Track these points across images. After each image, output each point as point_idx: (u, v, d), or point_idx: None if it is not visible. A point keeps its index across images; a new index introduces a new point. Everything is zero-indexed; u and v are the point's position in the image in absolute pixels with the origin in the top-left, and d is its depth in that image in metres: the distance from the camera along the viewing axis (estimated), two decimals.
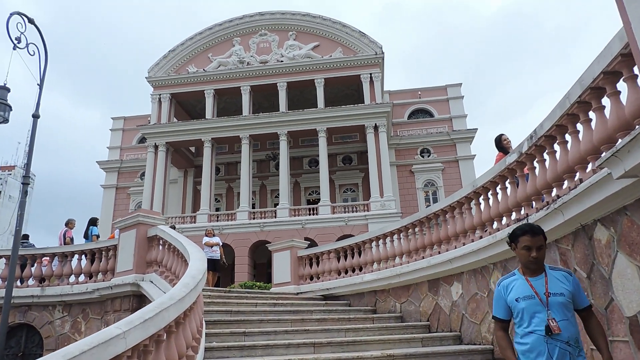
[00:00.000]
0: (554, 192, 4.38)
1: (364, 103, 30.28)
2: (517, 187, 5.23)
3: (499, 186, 5.61)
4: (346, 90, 33.81)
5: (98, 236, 10.77)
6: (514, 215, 5.32)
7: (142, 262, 7.70)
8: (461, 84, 35.92)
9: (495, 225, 5.70)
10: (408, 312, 7.45)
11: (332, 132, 30.80)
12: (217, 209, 33.42)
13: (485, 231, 5.86)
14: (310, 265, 10.36)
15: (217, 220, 28.90)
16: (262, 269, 29.62)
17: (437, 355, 5.32)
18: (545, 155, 4.56)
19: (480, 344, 5.72)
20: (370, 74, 30.88)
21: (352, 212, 28.21)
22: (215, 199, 34.36)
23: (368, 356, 5.11)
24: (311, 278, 10.30)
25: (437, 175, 33.42)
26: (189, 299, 4.11)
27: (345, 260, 9.48)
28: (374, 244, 8.78)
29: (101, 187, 36.38)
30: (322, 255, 10.00)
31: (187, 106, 34.61)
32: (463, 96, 35.52)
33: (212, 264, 11.43)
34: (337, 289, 9.17)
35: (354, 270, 9.24)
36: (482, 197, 6.04)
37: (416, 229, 7.70)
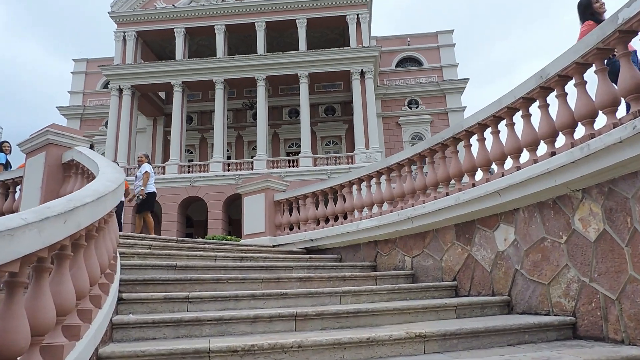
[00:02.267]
0: None
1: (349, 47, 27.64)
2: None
3: (594, 68, 3.51)
4: (330, 35, 31.01)
5: (5, 165, 8.38)
6: (622, 111, 3.25)
7: (53, 197, 5.49)
8: (453, 30, 33.43)
9: (581, 131, 3.62)
10: (423, 268, 5.47)
11: (314, 79, 28.24)
12: (191, 161, 30.94)
13: (558, 145, 3.78)
14: (290, 212, 8.29)
15: (189, 172, 26.54)
16: (238, 225, 27.61)
17: (490, 333, 3.34)
18: None
19: (548, 314, 3.77)
20: (357, 14, 28.10)
21: (335, 164, 26.14)
22: (189, 151, 31.86)
23: (385, 337, 3.09)
24: (291, 228, 8.25)
25: (425, 128, 31.41)
26: (35, 235, 1.95)
27: (335, 204, 7.40)
28: (373, 181, 6.70)
29: None
30: (306, 199, 7.91)
31: (155, 47, 31.37)
32: (454, 44, 33.11)
33: (146, 202, 9.11)
34: (325, 240, 7.14)
35: (346, 217, 7.20)
36: (555, 92, 3.94)
37: (436, 156, 5.62)
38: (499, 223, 4.47)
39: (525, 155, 4.34)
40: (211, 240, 6.82)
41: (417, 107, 31.77)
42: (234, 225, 27.10)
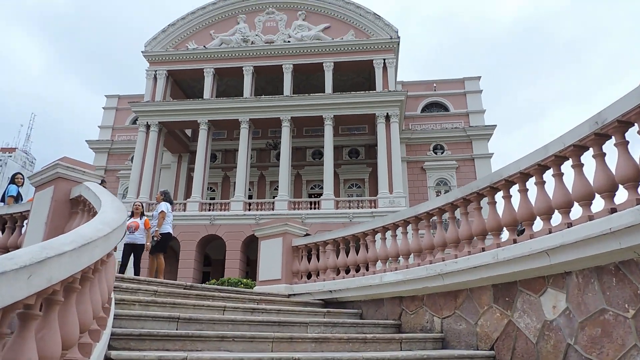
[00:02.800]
0: None
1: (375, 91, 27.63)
2: None
3: None
4: (356, 78, 31.24)
5: (16, 198, 8.14)
6: None
7: (57, 234, 5.15)
8: (480, 77, 33.31)
9: None
10: (455, 332, 4.86)
11: (339, 122, 28.21)
12: (212, 199, 30.89)
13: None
14: (309, 259, 7.79)
15: (210, 210, 26.36)
16: (255, 266, 27.03)
17: None
18: None
19: None
20: (384, 59, 28.28)
21: (358, 208, 25.61)
22: (211, 189, 31.86)
23: None
24: (309, 276, 7.73)
25: (451, 174, 30.76)
26: None
27: (357, 253, 6.89)
28: (400, 230, 6.19)
29: None
30: (326, 246, 7.42)
31: (184, 86, 32.10)
32: (482, 90, 32.90)
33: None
34: (344, 292, 6.58)
35: (368, 268, 6.66)
36: (613, 140, 3.46)
37: (470, 207, 5.11)
38: (546, 287, 3.89)
39: (576, 211, 3.82)
40: (222, 287, 6.35)
41: (442, 153, 31.28)
42: (252, 266, 26.56)
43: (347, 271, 6.99)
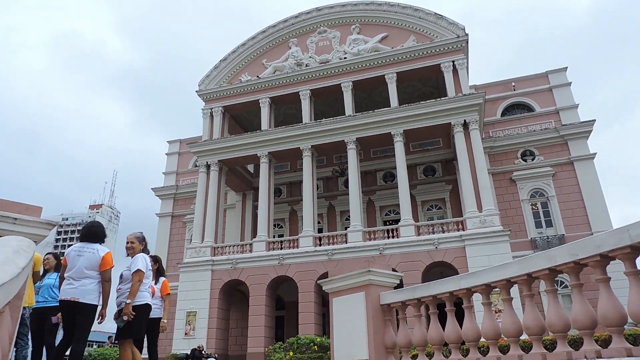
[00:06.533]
0: None
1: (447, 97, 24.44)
2: None
3: None
4: (423, 88, 28.25)
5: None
6: None
7: None
8: (566, 68, 28.94)
9: None
10: None
11: (409, 138, 25.21)
12: (281, 236, 28.77)
13: None
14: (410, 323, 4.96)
15: (279, 248, 24.08)
16: None
17: None
18: None
19: None
20: (453, 61, 25.09)
21: (443, 232, 22.16)
22: (278, 225, 29.85)
23: None
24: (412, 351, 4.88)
25: (547, 182, 26.46)
26: None
27: (498, 316, 3.97)
28: (572, 280, 3.25)
29: (156, 216, 33.19)
30: (436, 303, 4.57)
31: (242, 121, 30.76)
32: (570, 82, 28.49)
33: (131, 325, 5.12)
34: None
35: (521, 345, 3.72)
36: None
37: None
38: None
39: None
40: None
41: (533, 159, 27.13)
42: (328, 307, 23.78)
43: (484, 350, 4.09)
